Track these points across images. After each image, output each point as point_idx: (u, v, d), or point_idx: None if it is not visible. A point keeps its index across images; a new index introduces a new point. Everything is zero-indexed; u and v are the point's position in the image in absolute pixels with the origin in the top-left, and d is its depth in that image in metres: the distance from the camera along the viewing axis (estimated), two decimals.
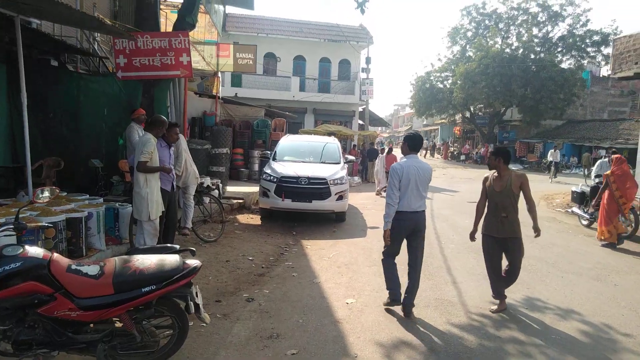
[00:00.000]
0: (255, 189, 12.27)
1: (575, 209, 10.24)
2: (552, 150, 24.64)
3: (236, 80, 24.34)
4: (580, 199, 9.98)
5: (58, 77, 8.97)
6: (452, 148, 42.83)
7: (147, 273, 3.00)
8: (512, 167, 22.09)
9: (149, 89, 9.36)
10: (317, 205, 8.91)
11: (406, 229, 4.53)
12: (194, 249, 3.48)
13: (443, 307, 4.77)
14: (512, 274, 4.73)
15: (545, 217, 10.37)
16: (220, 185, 10.40)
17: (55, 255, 2.97)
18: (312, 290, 5.18)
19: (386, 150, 14.96)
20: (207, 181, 9.27)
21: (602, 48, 33.80)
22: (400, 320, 4.43)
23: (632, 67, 12.90)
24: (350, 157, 10.67)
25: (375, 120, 29.06)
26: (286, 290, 5.17)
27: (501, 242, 4.72)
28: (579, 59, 34.44)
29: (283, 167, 9.40)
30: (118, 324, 3.14)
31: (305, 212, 9.25)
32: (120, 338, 3.11)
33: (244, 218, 9.48)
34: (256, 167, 15.44)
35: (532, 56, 33.66)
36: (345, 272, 6.00)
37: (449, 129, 48.68)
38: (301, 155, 10.32)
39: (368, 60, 23.93)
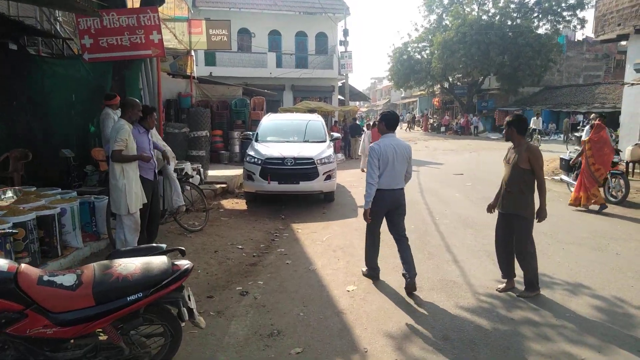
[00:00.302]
0: (237, 171, 11.85)
1: (564, 177, 10.17)
2: (535, 118, 24.27)
3: (210, 59, 23.47)
4: (568, 166, 9.89)
5: (18, 61, 8.31)
6: (432, 119, 42.77)
7: (132, 279, 2.64)
8: (491, 135, 22.17)
9: (119, 71, 8.80)
10: (305, 186, 8.58)
11: (386, 206, 4.64)
12: (183, 248, 3.13)
13: (449, 289, 4.56)
14: (519, 255, 4.44)
15: None
16: (202, 170, 9.96)
17: (23, 266, 2.59)
18: (310, 279, 4.90)
19: (371, 124, 14.65)
20: (187, 167, 8.83)
21: (578, 11, 33.82)
22: (406, 306, 4.19)
23: (615, 29, 12.77)
24: (336, 135, 10.32)
25: (355, 95, 28.60)
26: (282, 280, 4.88)
27: (507, 218, 4.48)
28: (555, 23, 34.36)
29: (267, 148, 9.00)
30: (102, 337, 2.80)
31: (292, 194, 8.92)
32: (106, 352, 2.77)
33: (228, 203, 9.09)
34: (237, 148, 14.97)
35: (509, 22, 33.45)
36: (342, 256, 5.73)
37: (427, 100, 48.53)
38: (285, 135, 9.91)
39: (346, 33, 23.32)
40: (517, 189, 4.37)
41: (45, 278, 2.57)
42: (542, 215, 4.30)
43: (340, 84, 26.03)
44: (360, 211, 7.95)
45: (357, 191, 10.38)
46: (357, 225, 7.25)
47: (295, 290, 4.57)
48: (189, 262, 2.88)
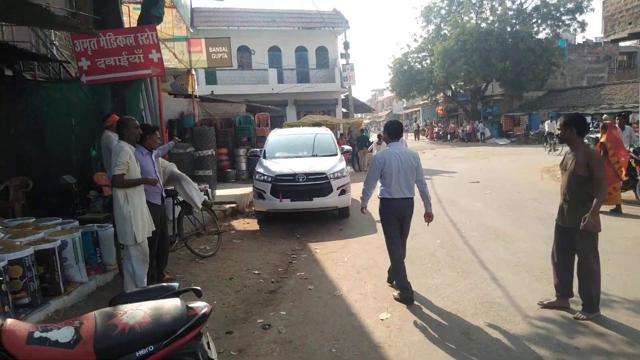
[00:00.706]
0: (246, 189, 11.44)
1: None
2: (549, 122, 22.67)
3: (210, 78, 23.29)
4: None
5: (15, 87, 7.99)
6: (437, 128, 42.41)
7: (141, 330, 2.19)
8: (498, 141, 21.62)
9: (118, 92, 8.47)
10: (318, 202, 8.14)
11: (395, 214, 4.68)
12: (198, 288, 2.67)
13: (495, 313, 4.07)
14: (581, 273, 3.94)
15: (556, 192, 9.75)
16: (209, 190, 9.53)
17: (9, 322, 2.14)
18: (337, 307, 4.43)
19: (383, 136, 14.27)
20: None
21: (577, 15, 33.63)
22: (452, 336, 3.71)
23: (626, 27, 12.38)
24: (346, 147, 9.91)
25: (359, 107, 28.32)
26: (306, 309, 4.41)
27: (567, 232, 3.98)
28: (554, 28, 34.16)
29: (276, 165, 8.59)
30: None
31: (306, 212, 8.47)
32: None
33: (239, 224, 8.65)
34: (243, 166, 14.58)
35: (509, 29, 33.26)
36: (368, 278, 5.26)
37: (430, 109, 48.25)
38: (293, 150, 9.51)
39: (346, 45, 23.11)
40: (575, 199, 3.90)
41: (37, 335, 2.12)
42: (588, 223, 3.72)
43: (343, 97, 25.75)
44: (380, 227, 7.52)
45: (372, 204, 9.91)
46: (379, 243, 6.77)
47: (322, 321, 4.09)
48: (206, 304, 2.43)
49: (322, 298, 4.68)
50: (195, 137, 9.93)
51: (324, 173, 8.21)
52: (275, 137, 10.09)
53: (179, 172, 5.98)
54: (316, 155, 9.11)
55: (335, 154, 9.24)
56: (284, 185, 8.11)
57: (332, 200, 8.21)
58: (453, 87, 37.71)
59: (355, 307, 4.39)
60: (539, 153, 21.74)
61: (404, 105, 62.94)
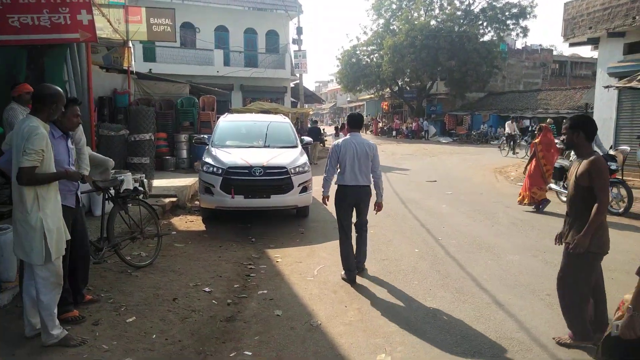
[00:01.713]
0: (188, 180, 10.11)
1: (553, 185, 9.38)
2: (510, 122, 22.00)
3: (149, 54, 21.23)
4: (560, 174, 9.12)
5: None
6: (381, 123, 42.44)
7: None
8: (441, 139, 21.81)
9: (36, 58, 6.97)
10: (277, 200, 7.09)
11: (350, 201, 4.89)
12: None
13: (518, 354, 3.28)
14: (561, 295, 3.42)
15: (515, 194, 9.39)
16: (145, 180, 8.17)
17: None
18: (318, 344, 3.45)
19: (340, 127, 13.52)
20: (128, 178, 7.08)
21: (520, 20, 34.77)
22: None
23: (586, 32, 12.36)
24: (307, 139, 8.90)
25: (308, 97, 27.27)
26: (278, 347, 3.39)
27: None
28: (499, 31, 35.11)
29: (228, 155, 7.41)
30: None
31: (261, 210, 7.39)
32: None
33: (181, 222, 7.40)
34: (184, 153, 13.13)
35: (457, 28, 33.68)
36: (348, 300, 4.33)
37: (375, 104, 48.30)
38: (247, 139, 8.35)
39: (299, 31, 21.96)
40: (574, 212, 3.34)
41: None
42: (576, 244, 3.19)
43: (292, 85, 24.63)
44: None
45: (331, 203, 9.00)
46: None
47: None
48: None
49: (296, 330, 3.68)
50: (131, 118, 8.47)
51: (285, 167, 7.17)
52: (226, 122, 8.85)
53: (102, 156, 4.70)
54: (273, 147, 8.03)
55: (295, 146, 8.21)
56: (238, 179, 6.97)
57: (292, 199, 7.19)
58: (400, 83, 37.78)
59: (342, 344, 3.43)
60: (486, 153, 22.00)
61: (348, 99, 62.89)
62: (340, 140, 4.97)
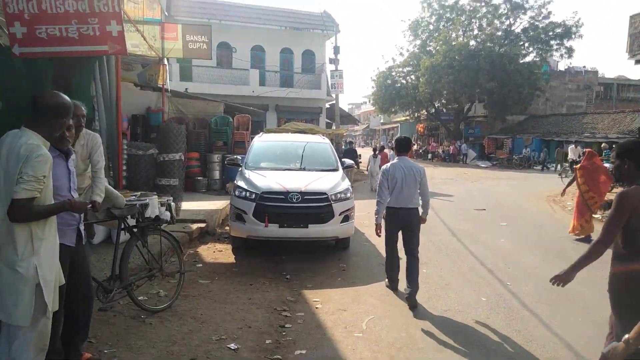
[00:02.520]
0: (219, 203, 9.46)
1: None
2: (573, 147, 20.36)
3: (186, 73, 21.16)
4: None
5: None
6: (416, 146, 41.33)
7: None
8: (480, 163, 20.76)
9: (63, 71, 6.48)
10: (315, 231, 6.28)
11: (397, 224, 4.95)
12: None
13: None
14: None
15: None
16: (173, 204, 7.53)
17: None
18: None
19: (378, 149, 12.78)
20: (154, 202, 6.45)
21: (565, 40, 33.35)
22: None
23: None
24: (348, 162, 8.11)
25: (343, 118, 26.61)
26: None
27: None
28: (541, 52, 33.76)
29: (263, 178, 6.69)
30: None
31: (296, 241, 6.59)
32: None
33: (208, 252, 6.67)
34: (217, 174, 12.56)
35: (497, 49, 32.56)
36: None
37: (409, 126, 47.27)
38: (284, 161, 7.63)
39: (336, 50, 21.45)
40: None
41: None
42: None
43: (328, 105, 24.05)
44: (400, 275, 5.65)
45: (372, 232, 8.10)
46: (400, 294, 4.97)
47: None
48: None
49: None
50: (161, 136, 7.91)
51: (325, 193, 6.37)
52: (261, 142, 8.18)
53: (114, 191, 4.00)
54: (311, 170, 7.26)
55: (336, 169, 7.42)
56: (272, 205, 6.22)
57: (332, 229, 6.36)
58: (436, 105, 36.74)
59: None
60: (532, 178, 20.67)
61: (381, 121, 62.04)
62: (389, 164, 5.09)
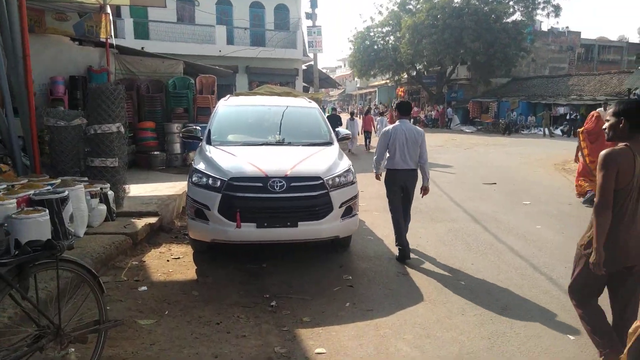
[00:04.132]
0: (179, 185, 7.52)
1: None
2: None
3: (141, 30, 18.53)
4: None
5: None
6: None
7: None
8: (465, 128, 19.64)
9: None
10: (307, 230, 4.48)
11: (399, 184, 5.03)
12: None
13: None
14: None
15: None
16: (111, 193, 5.58)
17: None
18: None
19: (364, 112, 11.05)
20: (78, 194, 4.54)
21: None
22: None
23: None
24: (344, 131, 6.23)
25: (323, 81, 24.37)
26: None
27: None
28: (529, 10, 32.01)
29: (231, 158, 4.81)
30: None
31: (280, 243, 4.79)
32: None
33: (160, 262, 4.80)
34: (177, 148, 10.53)
35: (483, 7, 30.59)
36: None
37: (388, 91, 45.34)
38: (259, 132, 5.71)
39: (313, 3, 19.06)
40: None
41: None
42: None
43: (305, 67, 21.85)
44: (430, 290, 3.89)
45: (379, 222, 6.37)
46: (437, 323, 3.27)
47: None
48: None
49: None
50: (89, 101, 5.82)
51: (319, 177, 4.55)
52: (228, 108, 6.18)
53: None
54: (296, 144, 5.39)
55: (330, 142, 5.56)
56: (246, 197, 4.38)
57: (330, 227, 4.56)
58: (418, 67, 34.82)
59: None
60: (527, 144, 19.35)
61: (358, 85, 59.80)
62: (390, 126, 5.16)
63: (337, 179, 4.64)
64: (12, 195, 4.23)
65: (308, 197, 4.47)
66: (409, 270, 4.65)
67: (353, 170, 4.96)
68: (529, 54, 32.11)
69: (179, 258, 4.91)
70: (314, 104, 6.56)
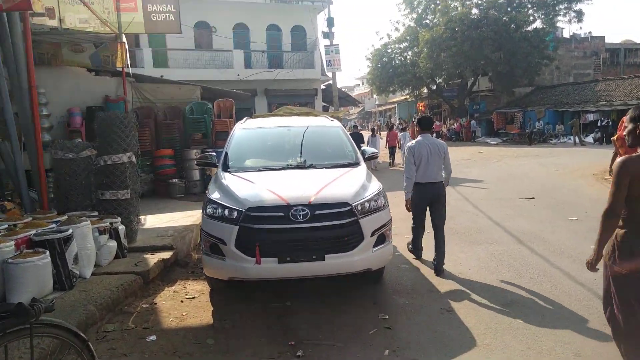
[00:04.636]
0: (197, 213, 7.11)
1: None
2: None
3: (160, 59, 18.62)
4: None
5: None
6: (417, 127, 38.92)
7: None
8: (489, 140, 19.10)
9: None
10: (336, 264, 3.96)
11: (426, 198, 5.05)
12: None
13: None
14: None
15: None
16: (122, 228, 5.20)
17: None
18: None
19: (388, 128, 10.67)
20: (84, 235, 4.18)
21: (574, 4, 30.89)
22: None
23: None
24: (370, 150, 5.73)
25: (342, 99, 24.02)
26: None
27: None
28: (550, 17, 31.25)
29: (249, 186, 4.37)
30: None
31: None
32: None
33: (173, 303, 4.34)
34: (196, 174, 10.20)
35: (502, 17, 30.01)
36: None
37: (408, 106, 44.85)
38: (279, 155, 5.26)
39: (330, 22, 18.88)
40: None
41: None
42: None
43: (324, 87, 21.57)
44: (482, 332, 3.28)
45: (404, 245, 5.79)
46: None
47: None
48: None
49: None
50: (100, 131, 5.52)
51: (347, 203, 4.04)
52: (245, 131, 5.78)
53: None
54: (319, 166, 4.92)
55: (356, 163, 5.07)
56: (266, 229, 3.91)
57: (362, 259, 4.03)
58: (438, 81, 34.26)
59: None
60: (559, 154, 18.41)
61: (377, 102, 59.49)
62: (414, 141, 5.18)
63: (366, 204, 4.13)
64: (11, 236, 3.87)
65: (335, 226, 3.97)
66: (454, 305, 4.06)
67: (384, 192, 4.44)
68: (552, 62, 31.21)
69: (194, 298, 4.45)
70: (337, 122, 6.11)
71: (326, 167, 4.85)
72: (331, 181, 4.38)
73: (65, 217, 4.70)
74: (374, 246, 4.13)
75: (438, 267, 4.92)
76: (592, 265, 2.65)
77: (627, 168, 2.48)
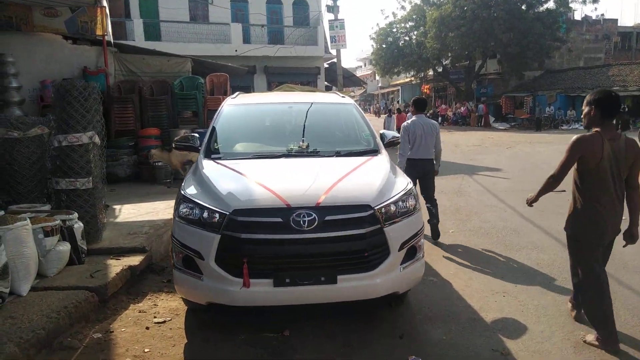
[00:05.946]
0: None
1: None
2: None
3: (152, 31, 17.33)
4: None
5: None
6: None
7: None
8: (497, 125, 18.07)
9: None
10: (351, 288, 2.94)
11: (417, 172, 5.36)
12: None
13: None
14: None
15: None
16: (79, 226, 4.14)
17: None
18: None
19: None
20: (19, 239, 3.11)
21: None
22: None
23: None
24: (390, 133, 4.68)
25: (347, 79, 22.70)
26: None
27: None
28: None
29: (237, 179, 3.32)
30: None
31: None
32: None
33: (135, 326, 3.31)
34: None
35: None
36: None
37: (411, 89, 43.46)
38: (277, 139, 4.17)
39: None
40: None
41: None
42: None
43: (327, 65, 20.32)
44: None
45: (443, 252, 4.76)
46: None
47: None
48: None
49: None
50: (56, 104, 4.42)
51: (367, 204, 2.99)
52: (236, 108, 4.65)
53: None
54: (328, 154, 3.84)
55: (376, 150, 4.00)
56: (258, 240, 2.87)
57: (385, 281, 3.01)
58: (444, 63, 32.92)
59: None
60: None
61: (379, 85, 58.01)
62: (409, 121, 5.50)
63: (393, 207, 3.09)
64: None
65: (352, 237, 2.93)
66: (510, 345, 3.04)
67: (415, 191, 3.38)
68: (565, 44, 29.86)
69: (163, 322, 3.41)
70: (349, 100, 5.01)
71: (337, 155, 3.78)
72: (345, 174, 3.32)
73: (2, 213, 3.64)
74: (403, 263, 3.10)
75: (435, 230, 5.41)
76: (530, 202, 3.34)
77: (580, 145, 2.90)
